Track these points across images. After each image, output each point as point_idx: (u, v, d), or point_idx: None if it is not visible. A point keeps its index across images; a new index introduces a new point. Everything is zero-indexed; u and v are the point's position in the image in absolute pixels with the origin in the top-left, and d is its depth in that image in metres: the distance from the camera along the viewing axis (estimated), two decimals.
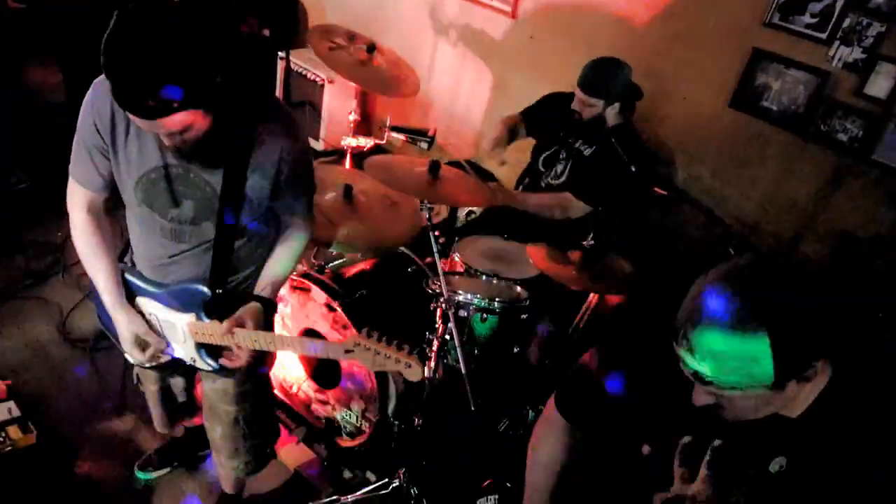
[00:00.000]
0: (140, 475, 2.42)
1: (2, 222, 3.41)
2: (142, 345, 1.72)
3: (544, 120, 3.03)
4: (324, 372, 2.64)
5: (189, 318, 1.68)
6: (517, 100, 3.61)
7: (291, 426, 2.66)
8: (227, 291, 1.68)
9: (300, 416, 2.69)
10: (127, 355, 1.83)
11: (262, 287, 1.71)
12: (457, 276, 2.62)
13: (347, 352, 1.51)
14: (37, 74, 3.85)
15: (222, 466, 2.07)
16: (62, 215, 1.69)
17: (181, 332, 1.72)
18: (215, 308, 1.65)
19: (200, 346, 1.71)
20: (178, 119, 1.31)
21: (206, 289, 1.64)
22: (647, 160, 2.71)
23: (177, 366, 1.88)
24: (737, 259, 1.08)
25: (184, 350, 1.75)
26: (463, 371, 2.16)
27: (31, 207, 3.45)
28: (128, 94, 1.26)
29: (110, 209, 1.70)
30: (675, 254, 3.26)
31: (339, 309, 2.37)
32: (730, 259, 1.08)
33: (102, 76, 1.39)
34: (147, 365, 1.85)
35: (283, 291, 2.57)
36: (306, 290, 2.49)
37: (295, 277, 2.48)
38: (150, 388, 2.00)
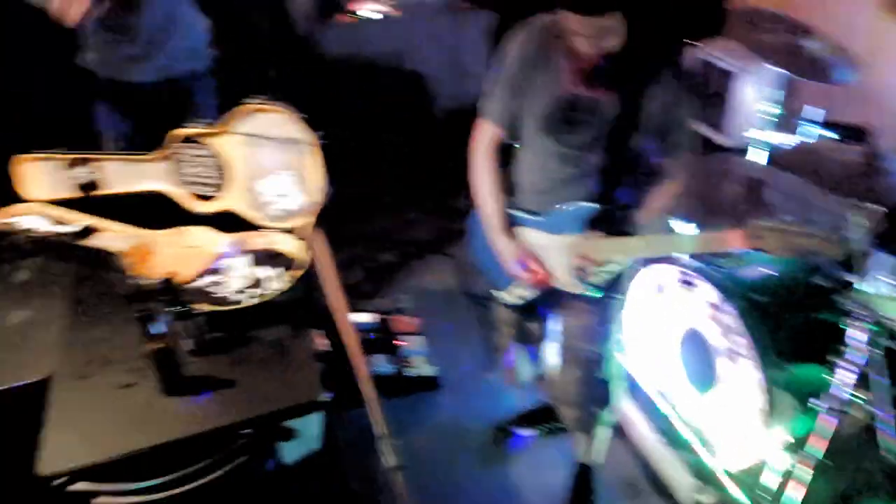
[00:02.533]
0: (516, 432, 2.53)
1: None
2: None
3: None
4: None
5: (572, 238, 1.83)
6: None
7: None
8: (611, 210, 1.84)
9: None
10: (504, 294, 2.05)
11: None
12: None
13: (755, 237, 1.49)
14: None
15: (566, 419, 2.12)
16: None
17: (562, 256, 1.87)
18: (600, 226, 1.81)
19: (577, 269, 1.85)
20: (611, 19, 1.52)
21: (595, 204, 1.81)
22: None
23: (534, 309, 2.08)
24: None
25: (561, 273, 1.90)
26: None
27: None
28: None
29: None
30: None
31: (731, 311, 2.14)
32: None
33: (534, 20, 1.76)
34: (515, 300, 2.04)
35: (668, 282, 2.43)
36: (692, 286, 2.31)
37: (686, 270, 2.33)
38: (506, 330, 2.16)
